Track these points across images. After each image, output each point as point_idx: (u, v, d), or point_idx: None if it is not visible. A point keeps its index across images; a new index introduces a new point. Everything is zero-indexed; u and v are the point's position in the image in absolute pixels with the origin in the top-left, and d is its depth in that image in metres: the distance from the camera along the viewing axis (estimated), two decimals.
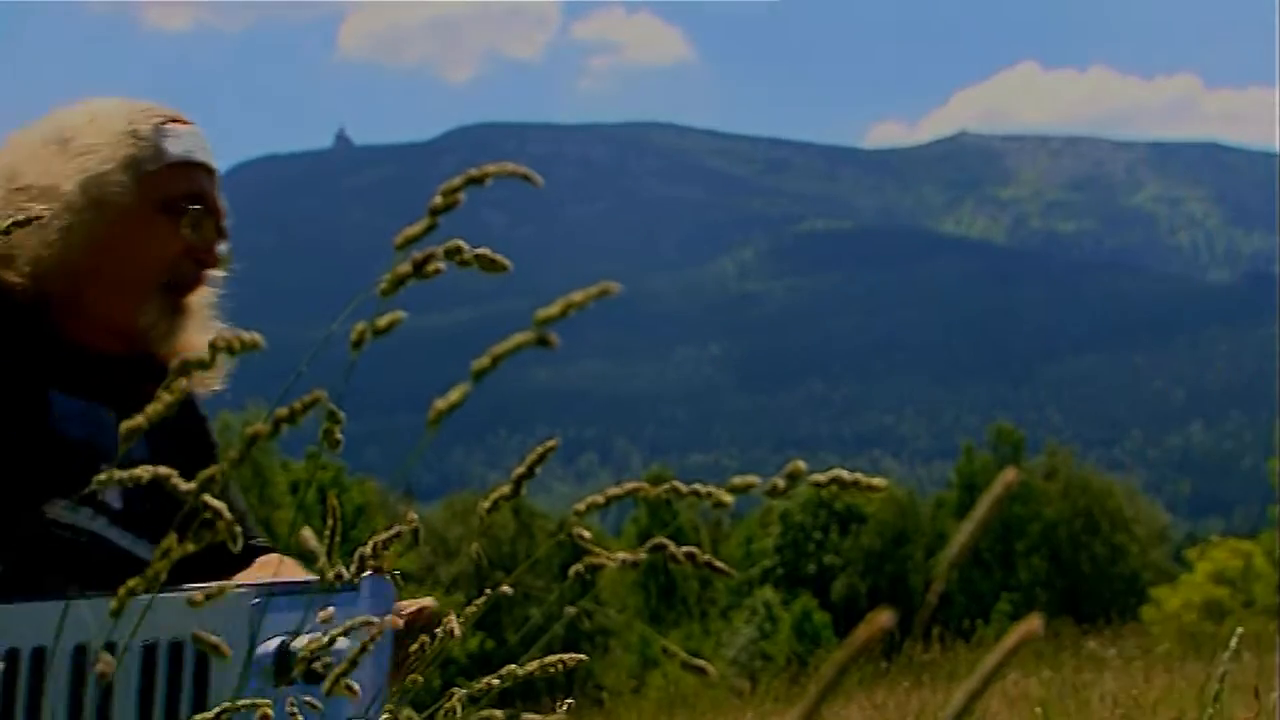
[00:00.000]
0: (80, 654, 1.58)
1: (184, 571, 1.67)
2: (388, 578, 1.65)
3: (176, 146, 1.94)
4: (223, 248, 1.95)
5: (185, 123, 1.98)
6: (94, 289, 1.85)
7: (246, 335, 0.83)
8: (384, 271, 0.94)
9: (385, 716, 1.10)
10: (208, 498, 0.90)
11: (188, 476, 1.95)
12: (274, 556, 2.02)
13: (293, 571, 1.98)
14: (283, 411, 0.88)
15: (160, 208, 1.90)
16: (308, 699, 1.25)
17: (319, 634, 1.55)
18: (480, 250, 0.94)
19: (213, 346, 0.82)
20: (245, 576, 1.95)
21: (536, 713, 1.22)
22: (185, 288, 1.92)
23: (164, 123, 1.94)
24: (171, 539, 0.93)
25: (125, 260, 1.88)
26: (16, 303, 1.83)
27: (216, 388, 2.05)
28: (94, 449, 1.81)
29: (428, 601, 1.74)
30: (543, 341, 0.83)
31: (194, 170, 1.95)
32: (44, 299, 1.82)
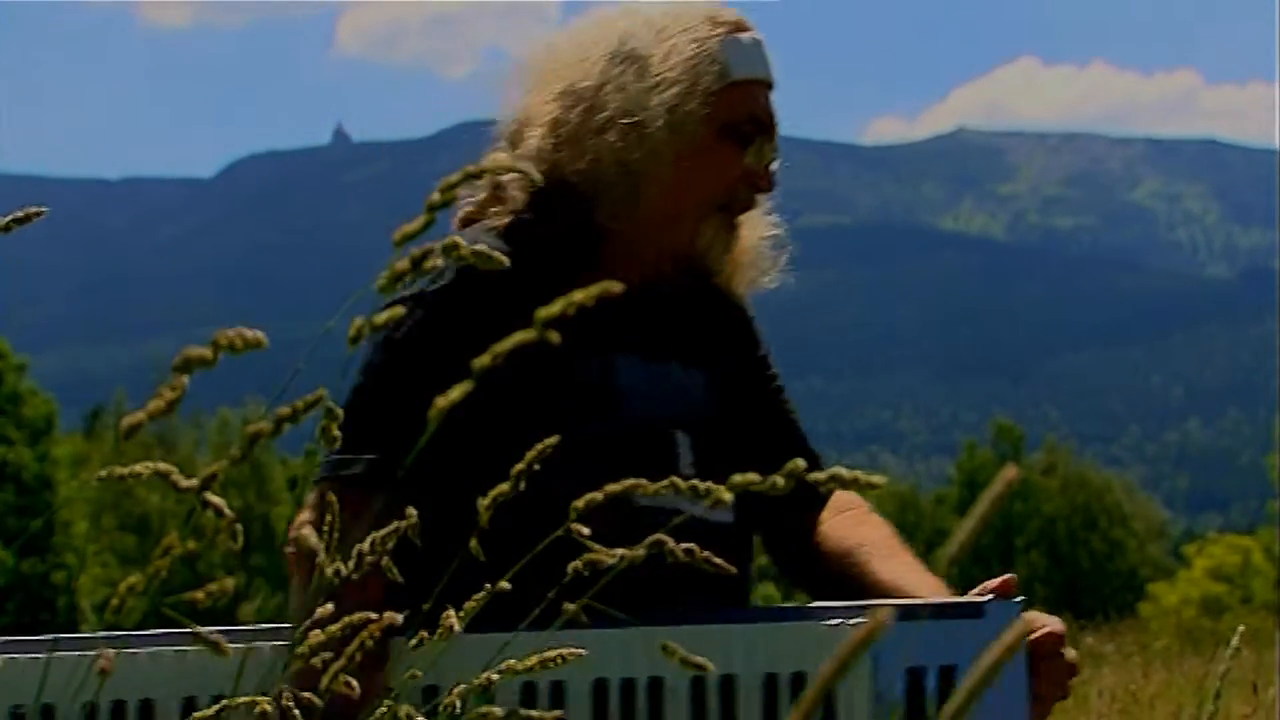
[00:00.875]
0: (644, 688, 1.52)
1: (755, 511, 1.49)
2: (1015, 599, 1.54)
3: (742, 65, 1.80)
4: (776, 165, 1.85)
5: (748, 29, 1.84)
6: (653, 220, 1.77)
7: (250, 333, 0.82)
8: (382, 267, 0.94)
9: (383, 710, 1.10)
10: (209, 495, 0.90)
11: (752, 413, 1.86)
12: (849, 500, 1.88)
13: (871, 523, 1.85)
14: (285, 410, 0.89)
15: (722, 132, 1.79)
16: None
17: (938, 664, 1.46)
18: (477, 246, 0.94)
19: (215, 345, 0.86)
20: (834, 520, 1.85)
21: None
22: (739, 210, 1.84)
23: (729, 33, 1.81)
24: (173, 537, 0.92)
25: (687, 190, 1.78)
26: (579, 239, 1.76)
27: (770, 284, 1.98)
28: (659, 418, 1.75)
29: (1056, 623, 1.63)
30: (544, 339, 0.84)
31: (756, 88, 1.82)
32: (606, 233, 1.75)
